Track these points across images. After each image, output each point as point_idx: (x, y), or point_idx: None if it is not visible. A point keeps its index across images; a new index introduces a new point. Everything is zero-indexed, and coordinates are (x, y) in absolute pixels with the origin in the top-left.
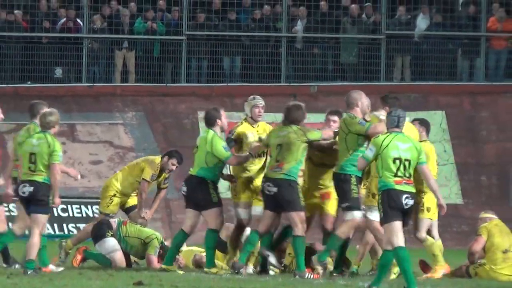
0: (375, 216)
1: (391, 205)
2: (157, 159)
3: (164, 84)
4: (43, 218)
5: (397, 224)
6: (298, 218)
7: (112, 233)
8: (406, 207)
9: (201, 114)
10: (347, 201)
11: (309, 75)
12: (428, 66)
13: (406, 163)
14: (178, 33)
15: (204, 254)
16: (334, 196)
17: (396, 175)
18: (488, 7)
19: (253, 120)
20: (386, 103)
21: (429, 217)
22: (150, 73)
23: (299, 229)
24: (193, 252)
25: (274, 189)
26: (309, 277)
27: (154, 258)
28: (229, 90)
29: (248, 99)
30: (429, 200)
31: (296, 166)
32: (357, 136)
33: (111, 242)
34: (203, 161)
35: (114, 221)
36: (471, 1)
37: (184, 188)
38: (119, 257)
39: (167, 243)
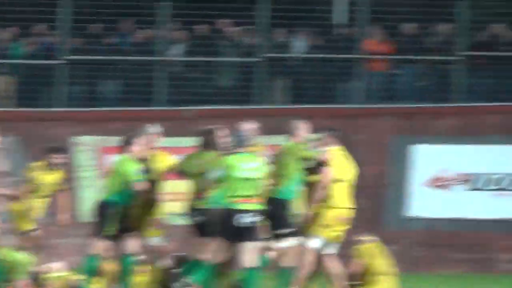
0: (312, 243)
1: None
2: None
3: (42, 109)
4: None
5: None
6: None
7: None
8: (245, 225)
9: (77, 139)
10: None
11: (187, 98)
12: (307, 89)
13: (252, 182)
14: (56, 57)
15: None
16: None
17: (240, 195)
18: (365, 29)
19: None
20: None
21: None
22: (28, 98)
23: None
24: (64, 277)
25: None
26: None
27: (21, 284)
28: (106, 114)
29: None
30: None
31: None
32: (297, 162)
33: None
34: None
35: None
36: (348, 24)
37: None
38: None
39: None
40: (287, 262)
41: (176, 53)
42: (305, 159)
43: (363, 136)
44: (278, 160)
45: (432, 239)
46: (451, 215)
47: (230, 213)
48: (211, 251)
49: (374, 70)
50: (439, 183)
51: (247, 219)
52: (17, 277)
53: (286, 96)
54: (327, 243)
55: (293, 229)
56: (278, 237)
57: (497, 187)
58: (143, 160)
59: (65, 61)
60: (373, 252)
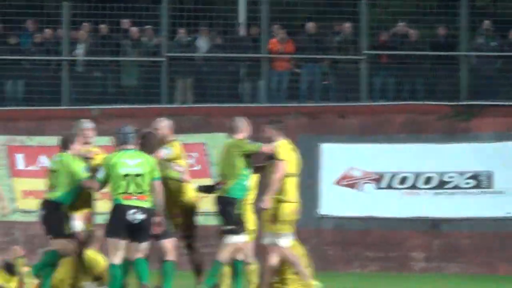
0: (284, 242)
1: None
2: None
3: None
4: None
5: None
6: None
7: None
8: (134, 222)
9: None
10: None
11: (91, 98)
12: (210, 88)
13: (138, 178)
14: None
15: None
16: None
17: (125, 192)
18: (269, 28)
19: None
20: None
21: None
22: None
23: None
24: None
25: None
26: None
27: None
28: (12, 114)
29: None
30: None
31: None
32: (244, 158)
33: None
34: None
35: None
36: (251, 23)
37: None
38: None
39: None
40: (239, 257)
41: (79, 53)
42: (250, 154)
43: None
44: (223, 159)
45: (343, 238)
46: (360, 213)
47: (120, 210)
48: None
49: (278, 69)
50: (347, 181)
51: (133, 216)
52: None
53: (189, 95)
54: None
55: (240, 226)
56: (227, 233)
57: (405, 185)
58: (85, 157)
59: None
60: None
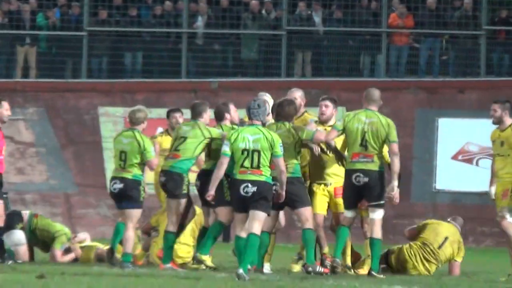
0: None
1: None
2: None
3: (65, 80)
4: (135, 212)
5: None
6: (308, 213)
7: (22, 225)
8: (247, 195)
9: (101, 110)
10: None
11: (210, 71)
12: (329, 62)
13: (255, 154)
14: (79, 29)
15: (105, 248)
16: None
17: (242, 166)
18: (388, 3)
19: None
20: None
21: None
22: (51, 69)
23: (310, 223)
24: (95, 247)
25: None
26: (319, 270)
27: (59, 253)
28: (130, 86)
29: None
30: None
31: (298, 164)
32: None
33: (17, 235)
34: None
35: (25, 213)
36: None
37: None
38: (23, 251)
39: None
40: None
41: (199, 25)
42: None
43: (387, 110)
44: None
45: (459, 212)
46: (477, 188)
47: (234, 184)
48: None
49: (397, 44)
50: (464, 156)
51: (246, 190)
52: (55, 247)
53: (307, 69)
54: None
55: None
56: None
57: None
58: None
59: (87, 33)
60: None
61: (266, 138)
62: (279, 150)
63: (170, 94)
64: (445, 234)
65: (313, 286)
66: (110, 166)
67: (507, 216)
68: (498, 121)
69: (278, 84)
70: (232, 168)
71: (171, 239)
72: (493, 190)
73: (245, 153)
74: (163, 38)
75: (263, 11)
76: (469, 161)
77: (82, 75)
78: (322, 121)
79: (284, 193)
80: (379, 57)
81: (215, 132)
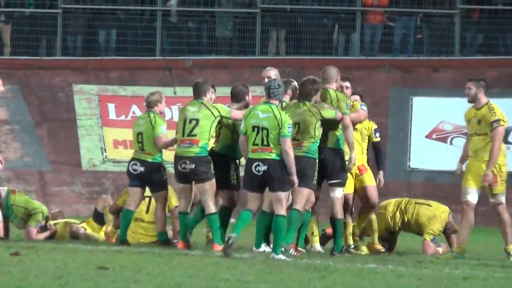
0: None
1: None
2: None
3: (39, 58)
4: (161, 194)
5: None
6: (303, 195)
7: None
8: (259, 174)
9: (76, 87)
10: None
11: (184, 49)
12: (303, 40)
13: (264, 131)
14: (54, 7)
15: (80, 225)
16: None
17: (253, 144)
18: None
19: None
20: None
21: None
22: (25, 46)
23: (300, 205)
24: (69, 224)
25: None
26: (292, 253)
27: (34, 230)
28: (104, 63)
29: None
30: None
31: (315, 144)
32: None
33: None
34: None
35: (3, 190)
36: None
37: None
38: None
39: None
40: None
41: (172, 3)
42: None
43: (361, 88)
44: None
45: (433, 191)
46: (451, 167)
47: (248, 162)
48: None
49: (371, 22)
50: (438, 135)
51: (257, 168)
52: (30, 224)
53: (282, 47)
54: None
55: None
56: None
57: None
58: None
59: (61, 10)
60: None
61: (275, 116)
62: (287, 130)
63: (144, 72)
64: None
65: (282, 263)
66: (84, 144)
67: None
68: (473, 99)
69: (252, 62)
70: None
71: (217, 220)
72: (460, 166)
73: (256, 130)
74: (138, 16)
75: None
76: (443, 139)
77: (56, 53)
78: None
79: (295, 177)
80: (354, 36)
81: (223, 109)
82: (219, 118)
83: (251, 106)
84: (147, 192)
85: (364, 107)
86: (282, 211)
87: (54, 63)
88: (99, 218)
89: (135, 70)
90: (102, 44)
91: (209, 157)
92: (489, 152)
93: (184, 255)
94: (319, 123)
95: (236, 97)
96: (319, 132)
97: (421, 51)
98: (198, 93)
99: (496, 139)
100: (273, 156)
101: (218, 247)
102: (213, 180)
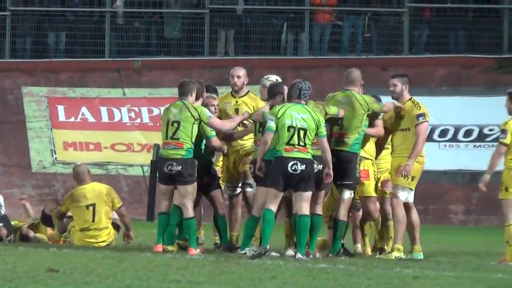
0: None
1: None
2: None
3: None
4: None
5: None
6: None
7: None
8: (295, 172)
9: (25, 90)
10: (350, 179)
11: (133, 50)
12: (252, 40)
13: (301, 132)
14: (2, 9)
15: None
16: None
17: (288, 143)
18: None
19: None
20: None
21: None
22: None
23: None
24: (20, 227)
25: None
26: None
27: None
28: (54, 65)
29: None
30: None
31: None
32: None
33: None
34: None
35: None
36: None
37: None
38: None
39: None
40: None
41: (118, 5)
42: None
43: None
44: (348, 112)
45: None
46: None
47: (280, 161)
48: None
49: (320, 21)
50: None
51: (293, 167)
52: None
53: (231, 47)
54: None
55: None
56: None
57: (445, 138)
58: None
59: (10, 12)
60: None
61: (313, 118)
62: (324, 130)
63: (93, 74)
64: None
65: (233, 264)
66: (34, 146)
67: (399, 194)
68: (398, 96)
69: (201, 63)
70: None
71: (194, 224)
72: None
73: (291, 130)
74: (86, 18)
75: None
76: None
77: (5, 55)
78: None
79: (331, 172)
80: (302, 35)
81: (204, 114)
82: (198, 121)
83: (283, 104)
84: (91, 199)
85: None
86: (307, 211)
87: (3, 65)
88: (47, 221)
89: (84, 72)
90: (51, 46)
91: (195, 160)
92: (413, 145)
93: (135, 256)
94: (323, 120)
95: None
96: (325, 129)
97: (370, 50)
98: (182, 93)
99: (421, 133)
100: (309, 156)
101: (194, 251)
102: (195, 184)
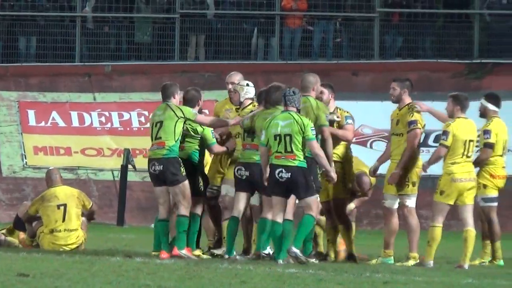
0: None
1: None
2: None
3: None
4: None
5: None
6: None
7: None
8: (281, 180)
9: None
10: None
11: (103, 54)
12: (223, 45)
13: (287, 138)
14: None
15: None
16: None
17: (277, 151)
18: None
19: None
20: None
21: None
22: None
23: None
24: None
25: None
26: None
27: None
28: (24, 70)
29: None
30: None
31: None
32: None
33: None
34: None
35: None
36: None
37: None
38: None
39: None
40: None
41: (87, 9)
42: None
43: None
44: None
45: None
46: None
47: (271, 169)
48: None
49: (290, 26)
50: (358, 139)
51: (280, 174)
52: None
53: (201, 52)
54: None
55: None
56: None
57: None
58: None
59: None
60: None
61: (296, 122)
62: (311, 133)
63: (64, 78)
64: None
65: (203, 269)
66: (4, 151)
67: (407, 202)
68: (397, 100)
69: (171, 68)
70: None
71: (185, 223)
72: (376, 165)
73: (277, 138)
74: (57, 22)
75: None
76: (363, 143)
77: None
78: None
79: (333, 174)
80: (273, 40)
81: (189, 111)
82: (183, 119)
83: (271, 116)
84: (62, 200)
85: (350, 121)
86: (314, 213)
87: None
88: (20, 225)
89: (55, 77)
90: (22, 50)
91: (178, 159)
92: (402, 152)
93: (105, 261)
94: (309, 124)
95: (190, 102)
96: (312, 132)
97: (340, 55)
98: (166, 96)
99: (410, 140)
100: (296, 163)
101: (176, 251)
102: (185, 182)
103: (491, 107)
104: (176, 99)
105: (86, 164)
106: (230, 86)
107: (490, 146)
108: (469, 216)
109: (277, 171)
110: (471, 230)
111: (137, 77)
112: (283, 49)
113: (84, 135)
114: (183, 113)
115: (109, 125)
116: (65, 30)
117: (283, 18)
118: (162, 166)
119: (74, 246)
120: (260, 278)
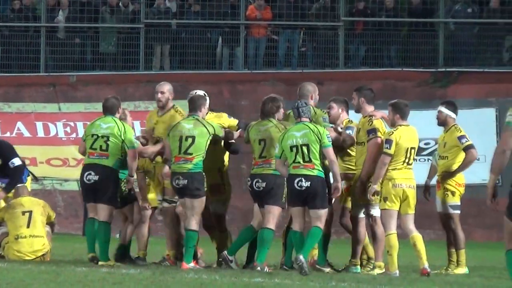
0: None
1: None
2: None
3: None
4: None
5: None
6: (274, 213)
7: None
8: (301, 189)
9: None
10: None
11: (68, 64)
12: (188, 55)
13: (304, 148)
14: None
15: None
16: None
17: (294, 162)
18: None
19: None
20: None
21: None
22: None
23: (274, 224)
24: None
25: (263, 185)
26: (266, 270)
27: None
28: None
29: None
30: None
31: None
32: None
33: None
34: None
35: None
36: None
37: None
38: None
39: None
40: None
41: (60, 19)
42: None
43: (246, 102)
44: None
45: None
46: None
47: (290, 179)
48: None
49: (255, 36)
50: None
51: (300, 184)
52: None
53: (166, 62)
54: None
55: None
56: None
57: None
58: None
59: None
60: None
61: (312, 131)
62: (327, 140)
63: (29, 89)
64: None
65: (169, 279)
66: None
67: (372, 212)
68: (357, 109)
69: (136, 78)
70: None
71: (194, 238)
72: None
73: (294, 149)
74: (22, 33)
75: (121, 4)
76: None
77: None
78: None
79: (339, 184)
80: (238, 50)
81: (218, 129)
82: (212, 136)
83: (286, 129)
84: (28, 207)
85: (351, 131)
86: (322, 224)
87: None
88: None
89: (20, 87)
90: None
91: (203, 174)
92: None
93: (71, 271)
94: (324, 131)
95: (110, 110)
96: (328, 140)
97: (305, 64)
98: (193, 108)
99: (370, 149)
100: (315, 172)
101: (185, 266)
102: (203, 198)
103: (452, 115)
104: (203, 112)
105: (52, 175)
106: (159, 95)
107: (472, 146)
108: (410, 224)
109: (296, 180)
110: (416, 235)
111: (102, 87)
112: (248, 59)
113: (50, 145)
114: (214, 130)
115: (74, 135)
116: (30, 41)
117: (247, 27)
118: (186, 180)
119: (39, 253)
120: (226, 287)
